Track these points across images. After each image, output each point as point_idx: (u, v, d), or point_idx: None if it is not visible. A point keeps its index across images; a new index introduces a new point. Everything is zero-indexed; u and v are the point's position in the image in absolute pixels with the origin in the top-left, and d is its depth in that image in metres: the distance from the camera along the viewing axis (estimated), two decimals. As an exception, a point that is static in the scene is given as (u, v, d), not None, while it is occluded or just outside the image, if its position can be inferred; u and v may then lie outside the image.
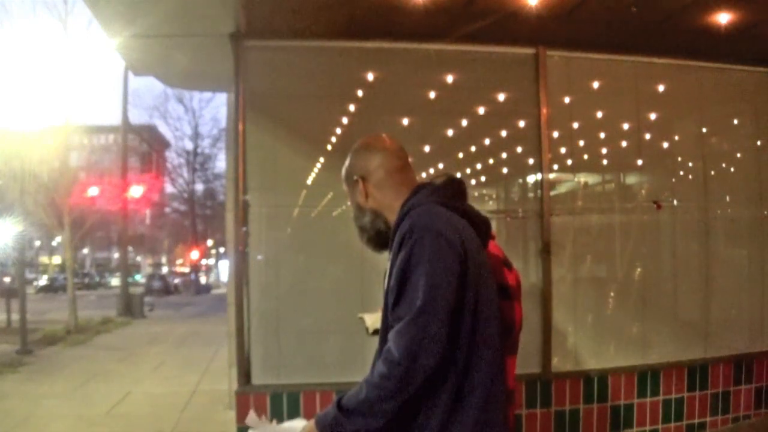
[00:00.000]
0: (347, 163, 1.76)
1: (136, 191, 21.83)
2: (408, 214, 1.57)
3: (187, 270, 44.45)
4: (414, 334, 1.40)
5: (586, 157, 4.63)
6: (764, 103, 4.83)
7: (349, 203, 1.79)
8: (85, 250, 46.74)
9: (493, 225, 1.69)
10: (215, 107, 48.46)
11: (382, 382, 1.42)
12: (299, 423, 1.63)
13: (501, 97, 4.47)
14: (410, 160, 1.77)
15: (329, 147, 4.29)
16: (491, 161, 4.69)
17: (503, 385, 1.58)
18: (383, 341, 1.53)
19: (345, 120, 4.31)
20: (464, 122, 4.45)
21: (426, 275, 1.43)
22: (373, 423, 1.44)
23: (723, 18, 3.93)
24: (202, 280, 43.84)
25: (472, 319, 1.50)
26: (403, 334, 1.42)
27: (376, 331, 2.17)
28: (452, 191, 1.67)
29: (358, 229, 1.75)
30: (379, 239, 1.72)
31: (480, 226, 1.65)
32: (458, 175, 4.57)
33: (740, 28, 4.04)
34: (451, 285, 1.45)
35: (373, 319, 2.31)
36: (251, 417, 1.66)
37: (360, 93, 4.29)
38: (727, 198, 4.84)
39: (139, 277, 43.63)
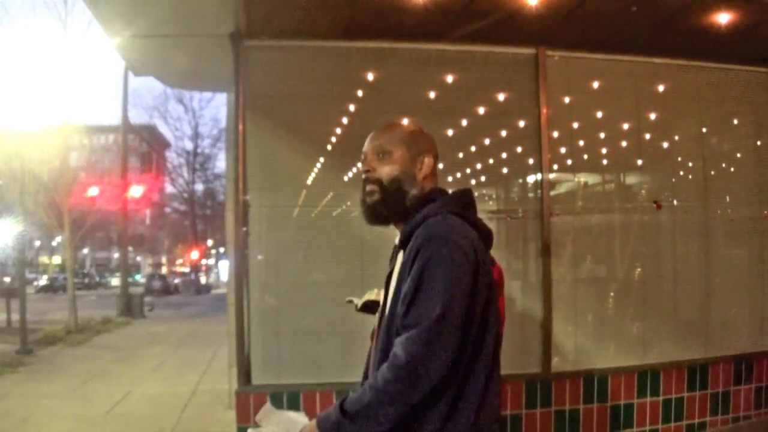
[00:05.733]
0: (414, 133, 1.74)
1: (136, 191, 21.84)
2: (424, 223, 1.57)
3: (187, 270, 44.48)
4: (427, 342, 1.41)
5: (586, 157, 4.63)
6: (764, 103, 4.83)
7: (393, 169, 1.69)
8: (85, 250, 46.70)
9: (493, 225, 1.70)
10: (215, 107, 48.53)
11: (386, 387, 1.42)
12: (302, 417, 1.64)
13: (501, 97, 4.47)
14: None
15: (329, 147, 4.29)
16: (491, 161, 4.69)
17: (497, 391, 1.59)
18: (385, 345, 1.53)
19: (345, 120, 4.31)
20: (464, 122, 4.45)
21: (443, 285, 1.44)
22: (375, 428, 1.44)
23: (723, 18, 3.92)
24: (202, 280, 43.85)
25: (478, 329, 1.51)
26: (415, 341, 1.42)
27: (363, 307, 2.20)
28: (464, 202, 1.67)
29: (399, 191, 1.67)
30: (398, 215, 1.68)
31: (485, 237, 1.66)
32: (458, 174, 4.61)
33: (740, 28, 4.03)
34: (466, 295, 1.47)
35: (361, 299, 2.37)
36: (262, 413, 1.67)
37: (360, 93, 4.29)
38: (727, 198, 4.84)
39: (139, 277, 43.64)
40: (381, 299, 1.74)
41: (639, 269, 4.62)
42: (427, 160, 1.70)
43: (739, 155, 4.96)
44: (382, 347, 1.55)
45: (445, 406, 1.47)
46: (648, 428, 4.27)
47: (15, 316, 11.78)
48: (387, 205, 1.68)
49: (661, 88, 4.66)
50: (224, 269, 40.09)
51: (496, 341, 1.59)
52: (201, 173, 38.77)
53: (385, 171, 1.68)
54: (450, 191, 1.71)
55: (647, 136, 4.69)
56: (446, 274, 1.45)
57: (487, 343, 1.53)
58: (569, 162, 4.53)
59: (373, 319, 1.84)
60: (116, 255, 43.45)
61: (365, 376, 1.61)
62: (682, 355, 4.44)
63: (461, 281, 1.46)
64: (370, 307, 2.28)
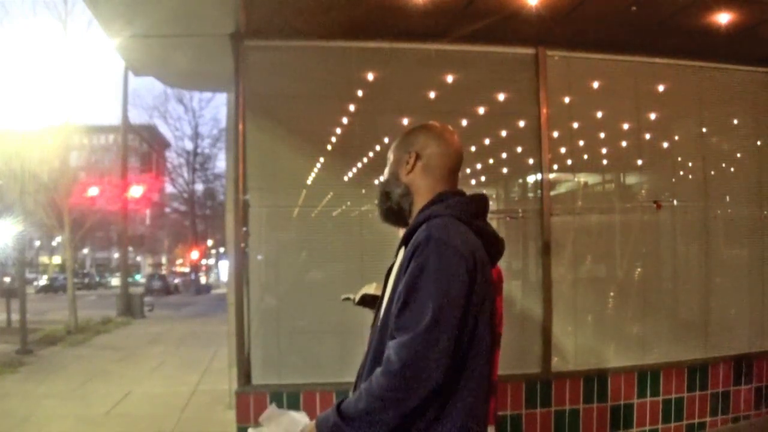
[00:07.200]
0: (411, 132, 1.75)
1: (136, 191, 21.81)
2: (425, 223, 1.56)
3: (187, 270, 44.48)
4: (420, 348, 1.40)
5: (586, 157, 4.63)
6: (764, 103, 4.83)
7: (386, 173, 1.76)
8: (85, 250, 46.66)
9: (493, 225, 1.69)
10: (215, 107, 48.54)
11: (382, 393, 1.41)
12: (303, 417, 1.63)
13: (501, 97, 4.47)
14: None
15: (329, 147, 4.29)
16: (491, 161, 4.69)
17: (490, 393, 1.58)
18: (380, 342, 1.53)
19: (345, 120, 4.31)
20: (464, 122, 4.45)
21: (438, 289, 1.43)
22: (374, 431, 1.44)
23: (723, 18, 3.93)
24: (202, 280, 43.84)
25: (471, 335, 1.50)
26: (407, 346, 1.40)
27: (361, 301, 2.20)
28: (474, 208, 1.64)
29: (383, 195, 1.75)
30: (398, 214, 1.73)
31: (493, 245, 1.64)
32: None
33: (740, 29, 4.04)
34: (461, 301, 1.45)
35: (358, 293, 2.38)
36: (266, 414, 1.67)
37: (360, 93, 4.29)
38: (727, 198, 4.84)
39: (139, 277, 43.64)
40: (380, 293, 1.74)
41: (639, 269, 4.62)
42: (413, 158, 1.69)
43: (739, 155, 4.96)
44: (377, 344, 1.55)
45: (434, 408, 1.46)
46: (648, 428, 4.27)
47: (15, 316, 11.78)
48: (381, 205, 1.77)
49: (661, 88, 4.66)
50: (224, 269, 40.06)
51: (493, 341, 1.58)
52: (201, 173, 38.78)
53: (384, 173, 1.78)
54: (465, 193, 1.70)
55: (647, 136, 4.69)
56: (442, 278, 1.44)
57: (479, 349, 1.51)
58: (569, 162, 4.53)
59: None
60: (116, 255, 43.44)
61: (362, 368, 1.60)
62: (682, 355, 4.44)
63: (457, 286, 1.45)
64: (368, 301, 2.27)
